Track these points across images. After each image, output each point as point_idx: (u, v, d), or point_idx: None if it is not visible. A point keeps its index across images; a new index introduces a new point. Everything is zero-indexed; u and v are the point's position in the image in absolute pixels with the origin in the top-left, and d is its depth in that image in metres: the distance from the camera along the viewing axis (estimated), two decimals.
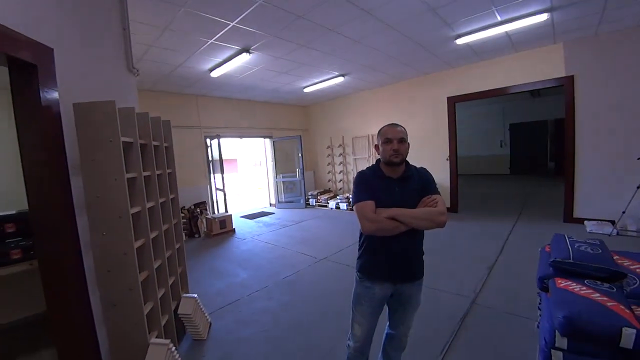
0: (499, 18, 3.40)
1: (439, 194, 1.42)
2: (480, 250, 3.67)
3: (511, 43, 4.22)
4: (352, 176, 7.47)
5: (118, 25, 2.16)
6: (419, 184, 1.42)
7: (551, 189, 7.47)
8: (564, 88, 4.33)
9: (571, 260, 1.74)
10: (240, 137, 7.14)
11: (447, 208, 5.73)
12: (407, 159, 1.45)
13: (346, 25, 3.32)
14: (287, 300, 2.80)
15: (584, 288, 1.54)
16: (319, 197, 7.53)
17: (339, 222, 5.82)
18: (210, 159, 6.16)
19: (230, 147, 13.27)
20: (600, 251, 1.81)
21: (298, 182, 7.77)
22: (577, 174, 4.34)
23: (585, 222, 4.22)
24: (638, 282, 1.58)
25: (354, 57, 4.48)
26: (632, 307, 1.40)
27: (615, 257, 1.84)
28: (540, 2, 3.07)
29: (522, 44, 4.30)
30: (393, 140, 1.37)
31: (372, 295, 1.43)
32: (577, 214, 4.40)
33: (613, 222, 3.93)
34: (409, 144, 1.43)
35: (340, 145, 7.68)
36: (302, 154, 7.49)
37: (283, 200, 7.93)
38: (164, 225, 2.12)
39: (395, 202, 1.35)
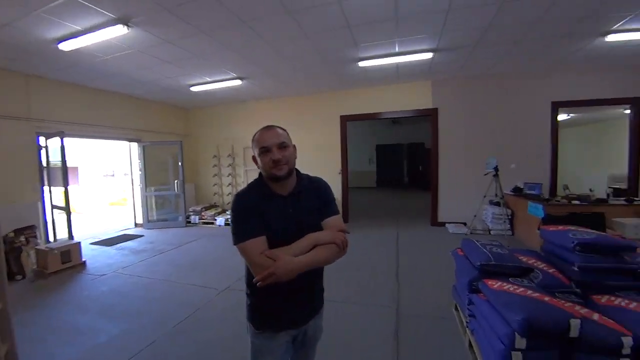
0: (397, 49, 3.84)
1: (339, 212, 1.18)
2: (381, 259, 3.88)
3: (397, 74, 4.89)
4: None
5: None
6: (316, 200, 1.14)
7: (411, 199, 9.10)
8: (430, 117, 5.37)
9: (494, 262, 1.95)
10: (95, 137, 5.37)
11: None
12: (297, 168, 1.13)
13: (264, 20, 2.95)
14: (192, 356, 2.06)
15: (516, 286, 1.71)
16: (203, 214, 6.50)
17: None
18: (45, 164, 4.27)
19: (69, 151, 9.94)
20: (507, 251, 2.14)
21: (176, 196, 6.50)
22: (440, 186, 5.40)
23: (447, 224, 5.26)
24: (541, 275, 1.91)
25: (259, 60, 4.10)
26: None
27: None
28: (430, 43, 3.66)
29: (404, 77, 5.07)
30: (271, 148, 1.05)
31: (276, 346, 1.11)
32: (440, 218, 5.44)
33: (465, 224, 5.05)
34: (294, 146, 1.13)
35: (229, 155, 6.95)
36: (182, 163, 6.33)
37: (154, 218, 6.44)
38: None
39: (292, 229, 1.04)
